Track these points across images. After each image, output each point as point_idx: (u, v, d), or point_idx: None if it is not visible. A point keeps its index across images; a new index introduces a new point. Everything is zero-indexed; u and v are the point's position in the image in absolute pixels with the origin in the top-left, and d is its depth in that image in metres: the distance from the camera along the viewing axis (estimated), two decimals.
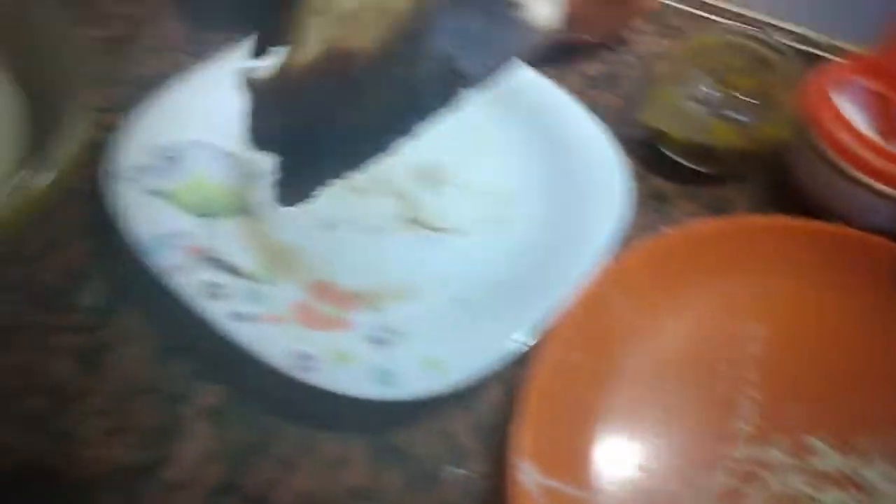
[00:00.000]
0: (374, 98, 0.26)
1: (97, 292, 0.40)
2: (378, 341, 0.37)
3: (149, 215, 0.41)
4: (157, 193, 0.42)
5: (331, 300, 0.40)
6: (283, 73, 0.23)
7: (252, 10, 0.25)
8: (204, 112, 0.47)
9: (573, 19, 0.54)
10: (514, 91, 0.51)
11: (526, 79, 0.51)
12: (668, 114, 0.49)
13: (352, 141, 0.29)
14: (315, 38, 0.22)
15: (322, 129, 0.26)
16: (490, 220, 0.45)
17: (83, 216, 0.43)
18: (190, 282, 0.38)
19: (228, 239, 0.42)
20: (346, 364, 0.36)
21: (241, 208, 0.44)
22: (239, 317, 0.37)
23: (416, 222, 0.44)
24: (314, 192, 0.30)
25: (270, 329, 0.37)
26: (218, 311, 0.37)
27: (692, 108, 0.47)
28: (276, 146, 0.27)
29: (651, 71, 0.53)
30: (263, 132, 0.26)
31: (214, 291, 0.38)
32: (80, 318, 0.39)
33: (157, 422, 0.35)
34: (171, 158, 0.44)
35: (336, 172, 0.30)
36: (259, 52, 0.23)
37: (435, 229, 0.44)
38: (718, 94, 0.47)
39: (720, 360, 0.39)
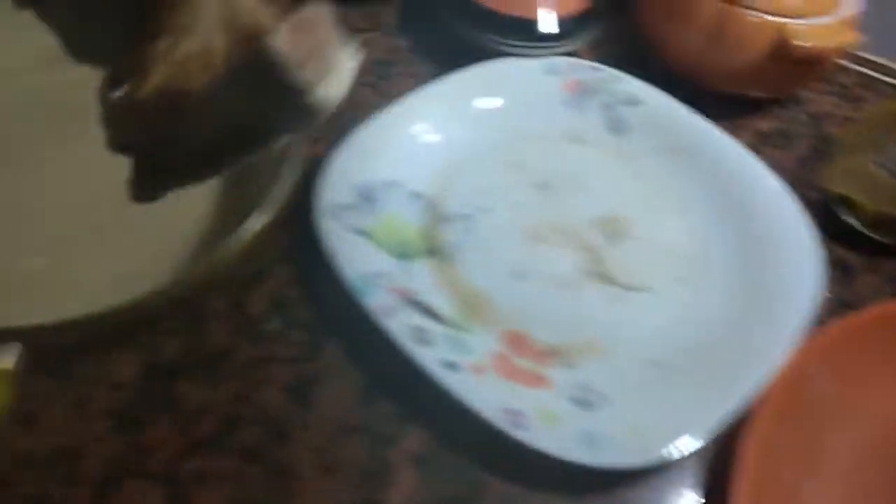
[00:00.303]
0: (205, 128, 0.28)
1: (303, 325, 0.41)
2: (582, 403, 0.37)
3: (353, 253, 0.42)
4: (359, 232, 0.43)
5: (526, 353, 0.40)
6: (128, 99, 0.26)
7: (108, 45, 0.27)
8: (395, 153, 0.48)
9: (746, 75, 0.54)
10: (694, 144, 0.50)
11: (707, 133, 0.51)
12: (855, 181, 0.49)
13: (189, 160, 0.31)
14: (156, 75, 0.25)
15: (164, 145, 0.29)
16: (675, 278, 0.44)
17: (284, 245, 0.45)
18: (399, 325, 0.39)
19: (424, 282, 0.42)
20: (554, 424, 0.36)
21: (432, 250, 0.44)
22: (449, 365, 0.37)
23: (602, 277, 0.44)
24: (161, 194, 0.32)
25: (477, 380, 0.37)
26: (428, 358, 0.37)
27: (883, 178, 0.47)
28: (128, 151, 0.29)
29: (836, 134, 0.53)
30: (116, 140, 0.28)
31: (421, 336, 0.39)
32: (288, 350, 0.40)
33: (366, 463, 0.36)
34: (368, 198, 0.45)
35: (181, 182, 0.31)
36: (115, 81, 0.26)
37: (622, 286, 0.44)
38: None
39: None
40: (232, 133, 0.29)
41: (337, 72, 0.29)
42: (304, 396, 0.38)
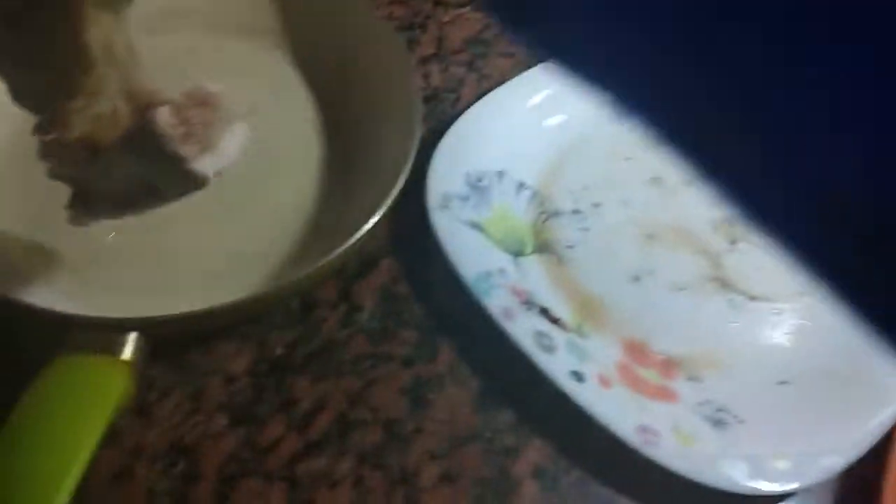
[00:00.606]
0: (117, 176, 0.32)
1: (414, 323, 0.39)
2: (716, 422, 0.36)
3: (468, 249, 0.40)
4: (472, 225, 0.41)
5: (648, 363, 0.39)
6: (56, 142, 0.30)
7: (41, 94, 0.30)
8: (503, 138, 0.45)
9: None
10: None
11: None
12: None
13: (115, 196, 0.33)
14: (75, 128, 0.29)
15: (90, 181, 0.32)
16: (798, 291, 0.42)
17: (389, 234, 0.42)
18: (521, 329, 0.37)
19: (539, 282, 0.41)
20: (689, 444, 0.35)
21: (542, 247, 0.42)
22: (576, 376, 0.36)
23: (723, 284, 0.42)
24: (94, 219, 0.34)
25: (606, 393, 0.36)
26: (554, 367, 0.36)
27: None
28: (63, 181, 0.32)
29: None
30: (52, 171, 0.31)
31: (544, 342, 0.37)
32: (402, 349, 0.38)
33: (486, 474, 0.35)
34: (479, 188, 0.43)
35: (113, 212, 0.34)
36: (44, 127, 0.30)
37: (743, 294, 0.42)
38: None
39: None
40: (139, 184, 0.32)
41: (215, 150, 0.32)
42: (420, 399, 0.37)
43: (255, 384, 0.36)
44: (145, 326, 0.33)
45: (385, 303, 0.40)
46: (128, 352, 0.33)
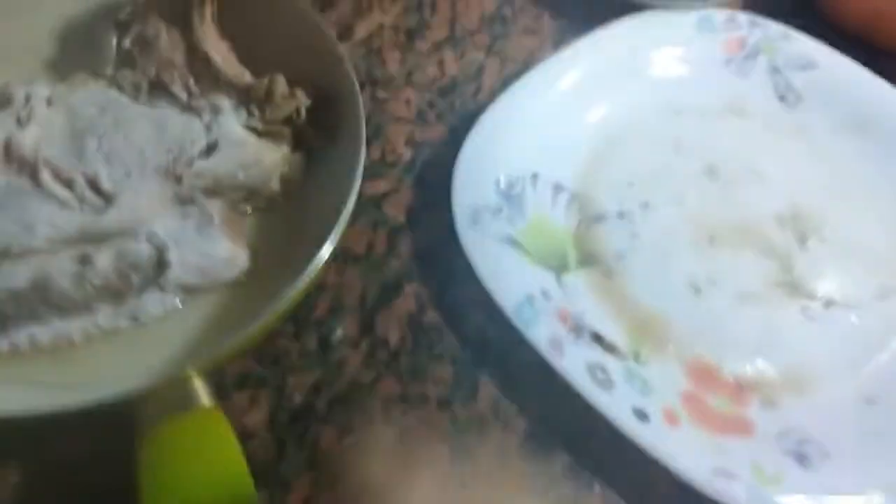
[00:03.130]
0: None
1: (448, 357, 0.35)
2: (799, 458, 0.31)
3: (505, 270, 0.35)
4: (508, 241, 0.36)
5: (718, 389, 0.34)
6: None
7: None
8: (536, 137, 0.40)
9: None
10: (883, 118, 0.43)
11: None
12: None
13: None
14: None
15: None
16: (881, 291, 0.37)
17: (412, 254, 0.38)
18: (573, 364, 0.32)
19: (587, 301, 0.36)
20: (775, 487, 0.30)
21: (587, 259, 0.37)
22: (639, 414, 0.31)
23: (794, 289, 0.37)
24: None
25: (674, 432, 0.31)
26: (615, 407, 0.31)
27: None
28: None
29: None
30: None
31: (600, 377, 0.32)
32: (437, 389, 0.34)
33: None
34: (511, 197, 0.38)
35: None
36: None
37: (820, 300, 0.37)
38: None
39: None
40: None
41: None
42: (462, 447, 0.32)
43: (276, 439, 0.32)
44: None
45: (413, 335, 0.35)
46: (205, 398, 0.29)
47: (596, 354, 0.33)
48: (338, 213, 0.33)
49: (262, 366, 0.34)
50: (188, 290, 0.34)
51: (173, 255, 0.34)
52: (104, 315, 0.34)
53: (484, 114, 0.39)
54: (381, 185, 0.40)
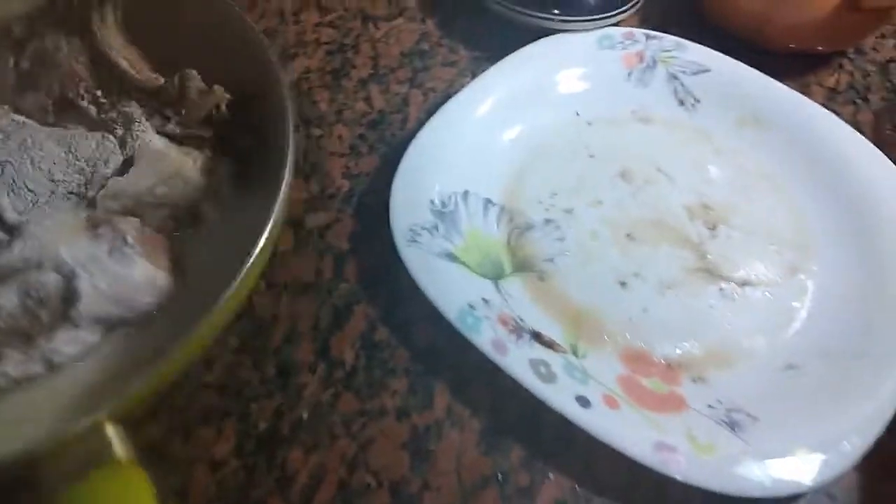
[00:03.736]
0: None
1: (401, 370, 0.37)
2: (732, 426, 0.34)
3: (446, 282, 0.38)
4: (446, 256, 0.39)
5: (651, 372, 0.37)
6: None
7: None
8: (463, 158, 0.43)
9: (814, 29, 0.50)
10: (772, 111, 0.47)
11: (783, 98, 0.47)
12: None
13: None
14: None
15: None
16: (788, 267, 0.41)
17: (358, 277, 0.40)
18: (516, 361, 0.35)
19: (524, 304, 0.39)
20: (710, 455, 0.33)
21: (522, 265, 0.40)
22: (582, 401, 0.34)
23: (710, 273, 0.40)
24: None
25: (615, 414, 0.34)
26: (558, 397, 0.34)
27: None
28: None
29: None
30: None
31: (542, 371, 0.35)
32: (394, 400, 0.36)
33: None
34: (446, 214, 0.41)
35: None
36: None
37: (734, 281, 0.40)
38: None
39: None
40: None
41: None
42: (422, 452, 0.34)
43: (245, 465, 0.34)
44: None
45: (367, 353, 0.37)
46: (120, 450, 0.27)
47: (537, 352, 0.36)
48: (266, 221, 0.30)
49: (226, 398, 0.36)
50: (105, 323, 0.31)
51: (83, 283, 0.30)
52: (13, 362, 0.30)
53: (412, 141, 0.42)
54: (323, 217, 0.42)
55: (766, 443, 0.33)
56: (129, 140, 0.35)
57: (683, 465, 0.32)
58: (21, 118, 0.36)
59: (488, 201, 0.42)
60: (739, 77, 0.48)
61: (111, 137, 0.35)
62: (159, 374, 0.27)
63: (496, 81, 0.46)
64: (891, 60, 0.54)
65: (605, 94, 0.48)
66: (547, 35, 0.49)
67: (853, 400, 0.35)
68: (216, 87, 0.36)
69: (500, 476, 0.34)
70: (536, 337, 0.37)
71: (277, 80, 0.35)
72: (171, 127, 0.36)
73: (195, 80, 0.36)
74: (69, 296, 0.30)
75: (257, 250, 0.30)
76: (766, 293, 0.40)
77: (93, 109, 0.36)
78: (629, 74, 0.49)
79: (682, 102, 0.48)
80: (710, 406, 0.35)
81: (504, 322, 0.37)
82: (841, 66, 0.53)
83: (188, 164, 0.35)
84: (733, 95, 0.48)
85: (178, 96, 0.36)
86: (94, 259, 0.31)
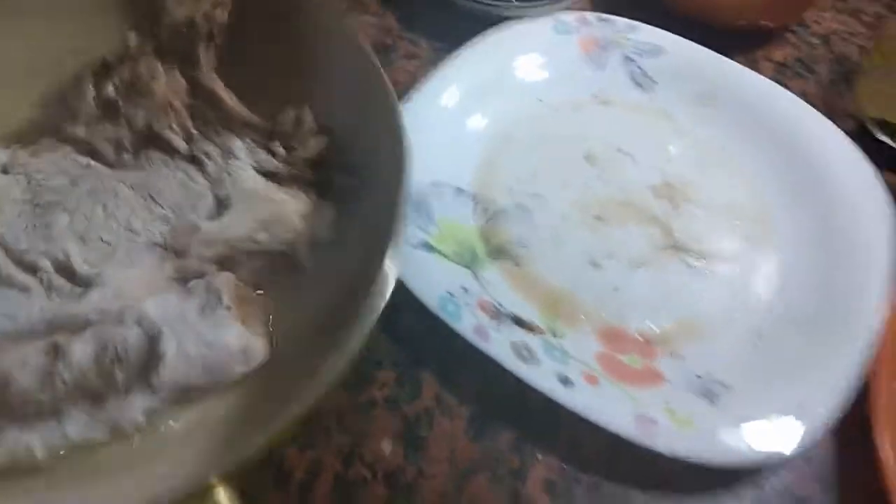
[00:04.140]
0: None
1: (389, 361, 0.38)
2: (708, 396, 0.36)
3: (424, 273, 0.38)
4: (424, 246, 0.40)
5: (628, 348, 0.38)
6: None
7: None
8: (431, 150, 0.44)
9: (758, 3, 0.52)
10: (725, 88, 0.49)
11: (735, 74, 0.49)
12: (893, 101, 0.47)
13: None
14: None
15: None
16: (749, 239, 0.43)
17: None
18: (498, 345, 0.36)
19: (502, 289, 0.40)
20: (688, 426, 0.34)
21: (496, 252, 0.41)
22: (563, 380, 0.35)
23: (677, 249, 0.42)
24: None
25: (595, 391, 0.35)
26: (540, 377, 0.35)
27: None
28: None
29: (862, 53, 0.51)
30: None
31: (523, 354, 0.36)
32: (383, 392, 0.37)
33: (499, 502, 0.34)
34: (420, 205, 0.41)
35: None
36: None
37: (700, 255, 0.42)
38: None
39: None
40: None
41: None
42: (415, 441, 0.35)
43: None
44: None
45: None
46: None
47: (518, 335, 0.37)
48: (374, 279, 0.26)
49: None
50: (185, 392, 0.28)
51: (169, 345, 0.27)
52: (75, 423, 0.27)
53: None
54: None
55: (742, 412, 0.35)
56: (224, 178, 0.32)
57: (664, 438, 0.34)
58: (85, 160, 0.33)
59: (459, 190, 0.43)
60: (693, 56, 0.50)
61: (199, 177, 0.32)
62: (274, 438, 0.24)
63: (457, 72, 0.47)
64: (832, 33, 0.56)
65: (564, 79, 0.49)
66: (502, 23, 0.49)
67: (823, 365, 0.37)
68: (328, 126, 0.34)
69: (490, 460, 0.35)
70: (516, 321, 0.38)
71: (397, 125, 0.31)
72: (275, 164, 0.32)
73: (309, 117, 0.33)
74: (152, 357, 0.27)
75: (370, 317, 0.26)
76: (732, 266, 0.41)
77: (181, 142, 0.33)
78: (586, 58, 0.50)
79: (639, 84, 0.50)
80: (686, 379, 0.37)
81: (483, 308, 0.38)
82: (787, 41, 0.55)
83: (291, 207, 0.31)
84: (688, 75, 0.49)
85: (290, 133, 0.33)
86: (183, 318, 0.28)
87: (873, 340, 0.37)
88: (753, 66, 0.51)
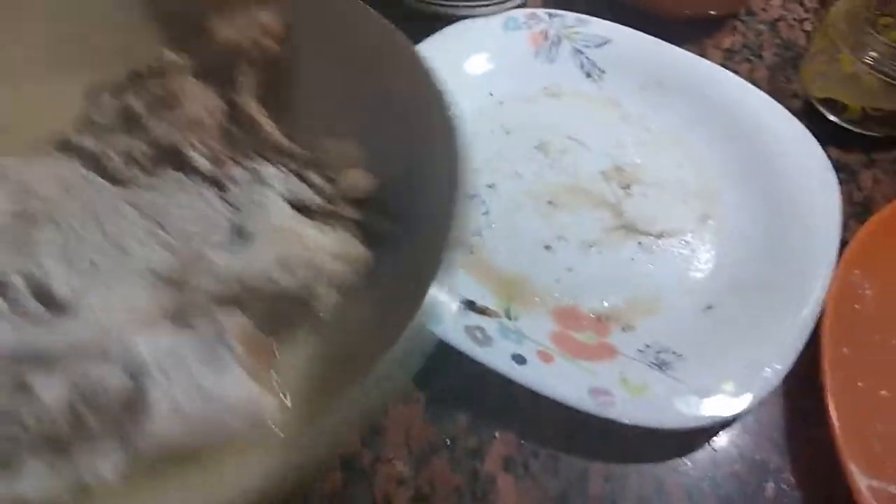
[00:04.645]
0: None
1: None
2: (659, 365, 0.36)
3: None
4: None
5: (582, 326, 0.39)
6: None
7: None
8: None
9: None
10: (672, 75, 0.50)
11: (682, 60, 0.50)
12: (836, 82, 0.49)
13: None
14: None
15: None
16: (699, 216, 0.44)
17: None
18: (452, 329, 0.36)
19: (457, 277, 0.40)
20: (642, 394, 0.35)
21: None
22: (518, 359, 0.36)
23: (628, 229, 0.43)
24: None
25: (550, 367, 0.36)
26: (495, 357, 0.35)
27: (863, 72, 0.47)
28: None
29: (804, 37, 0.53)
30: None
31: (478, 336, 0.36)
32: None
33: (458, 482, 0.34)
34: None
35: None
36: None
37: (650, 234, 0.42)
38: (885, 54, 0.46)
39: None
40: None
41: None
42: (372, 428, 0.35)
43: None
44: None
45: None
46: None
47: (472, 319, 0.37)
48: (411, 343, 0.22)
49: None
50: (170, 449, 0.23)
51: (157, 392, 0.22)
52: (32, 477, 0.22)
53: None
54: None
55: (694, 378, 0.36)
56: (249, 206, 0.27)
57: (619, 407, 0.34)
58: (87, 172, 0.29)
59: None
60: (639, 45, 0.51)
61: (218, 203, 0.28)
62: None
63: None
64: (779, 19, 0.57)
65: (515, 74, 0.50)
66: (453, 21, 0.50)
67: (769, 330, 0.37)
68: (374, 160, 0.30)
69: (448, 441, 0.35)
70: (470, 305, 0.38)
71: (460, 171, 0.26)
72: (310, 195, 0.28)
73: (354, 148, 0.30)
74: (135, 405, 0.22)
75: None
76: (681, 241, 0.42)
77: (205, 163, 0.29)
78: (536, 53, 0.51)
79: (588, 74, 0.51)
80: (639, 350, 0.37)
81: None
82: (735, 29, 0.56)
83: (320, 246, 0.27)
84: (635, 63, 0.50)
85: (331, 164, 0.30)
86: (178, 360, 0.23)
87: (819, 306, 0.37)
88: (702, 53, 0.52)
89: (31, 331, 0.24)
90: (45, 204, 0.27)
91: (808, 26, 0.57)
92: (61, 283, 0.25)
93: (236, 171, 0.29)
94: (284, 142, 0.30)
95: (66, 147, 0.30)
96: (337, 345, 0.27)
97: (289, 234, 0.27)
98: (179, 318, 0.25)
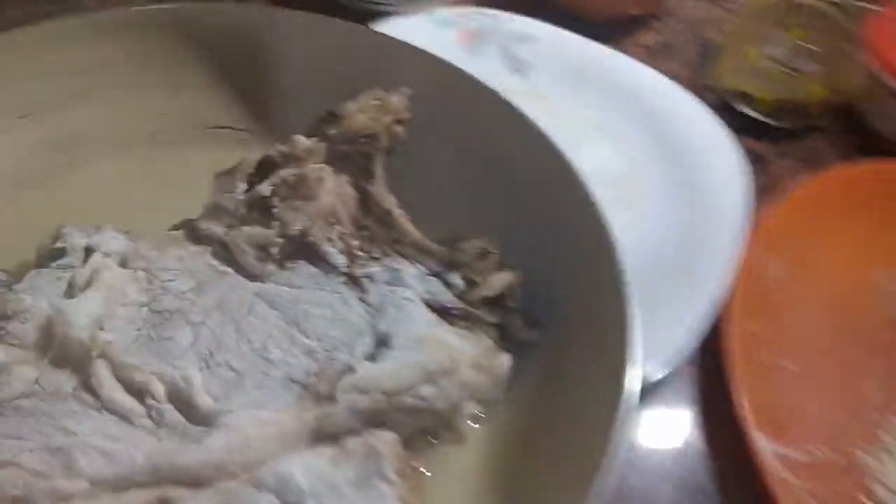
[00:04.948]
0: None
1: None
2: None
3: None
4: None
5: None
6: None
7: None
8: None
9: None
10: (595, 69, 0.52)
11: (604, 56, 0.52)
12: (747, 76, 0.51)
13: None
14: None
15: None
16: (616, 201, 0.45)
17: None
18: None
19: None
20: None
21: None
22: None
23: None
24: None
25: None
26: None
27: (772, 67, 0.50)
28: None
29: (719, 35, 0.55)
30: None
31: None
32: None
33: None
34: None
35: None
36: None
37: None
38: (791, 50, 0.49)
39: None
40: None
41: None
42: None
43: None
44: None
45: None
46: None
47: None
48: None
49: None
50: None
51: None
52: None
53: None
54: None
55: None
56: (389, 309, 0.26)
57: None
58: (219, 264, 0.27)
59: None
60: (565, 43, 0.53)
61: (357, 305, 0.26)
62: None
63: None
64: (697, 20, 0.60)
65: None
66: (386, 18, 0.51)
67: (684, 307, 0.39)
68: (515, 262, 0.29)
69: None
70: None
71: (619, 280, 0.26)
72: (451, 298, 0.27)
73: (495, 249, 0.29)
74: None
75: None
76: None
77: (340, 258, 0.28)
78: (467, 49, 0.53)
79: (516, 70, 0.52)
80: None
81: None
82: (655, 28, 0.59)
83: (464, 356, 0.25)
84: (560, 59, 0.52)
85: (472, 265, 0.28)
86: (336, 490, 0.22)
87: (727, 284, 0.39)
88: (624, 50, 0.54)
89: (172, 445, 0.23)
90: (179, 301, 0.26)
91: (724, 26, 0.59)
92: (202, 392, 0.24)
93: (373, 269, 0.28)
94: (420, 238, 0.29)
95: (195, 232, 0.29)
96: (482, 463, 0.26)
97: (432, 343, 0.25)
98: (321, 435, 0.24)
